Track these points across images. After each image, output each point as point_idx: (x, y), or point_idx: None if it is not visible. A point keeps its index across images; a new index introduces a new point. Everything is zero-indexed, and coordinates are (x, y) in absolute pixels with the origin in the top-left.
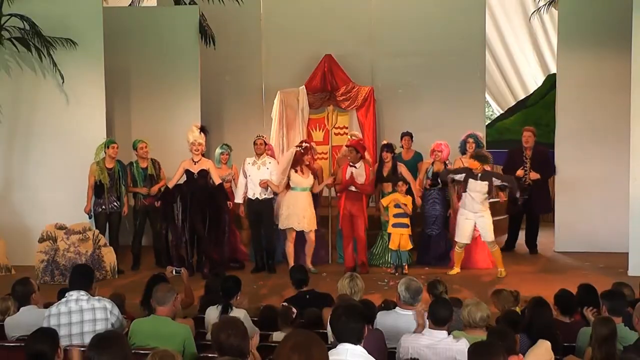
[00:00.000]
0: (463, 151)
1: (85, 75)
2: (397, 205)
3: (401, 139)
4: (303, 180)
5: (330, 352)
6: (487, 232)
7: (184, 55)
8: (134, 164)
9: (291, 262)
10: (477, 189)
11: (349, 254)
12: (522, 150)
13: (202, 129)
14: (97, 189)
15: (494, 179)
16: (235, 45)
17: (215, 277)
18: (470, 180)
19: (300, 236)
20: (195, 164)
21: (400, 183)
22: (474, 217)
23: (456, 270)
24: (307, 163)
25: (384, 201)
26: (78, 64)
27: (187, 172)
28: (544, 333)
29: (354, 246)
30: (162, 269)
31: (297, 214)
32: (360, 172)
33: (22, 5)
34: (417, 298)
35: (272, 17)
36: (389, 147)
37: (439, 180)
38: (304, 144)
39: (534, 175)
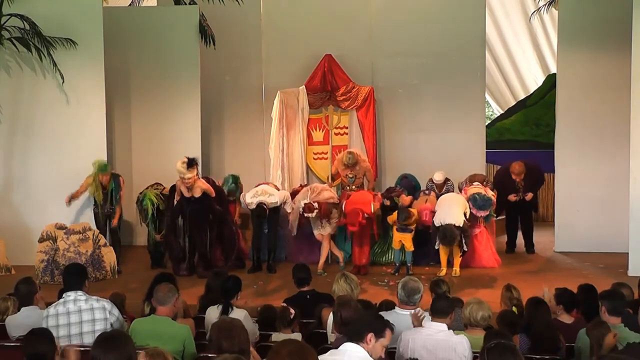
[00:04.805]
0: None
1: (85, 75)
2: (400, 211)
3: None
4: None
5: (331, 352)
6: None
7: (184, 55)
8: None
9: (321, 261)
10: None
11: (356, 256)
12: (510, 177)
13: (190, 163)
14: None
15: None
16: (235, 45)
17: (216, 276)
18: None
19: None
20: (188, 191)
21: (403, 196)
22: None
23: (444, 270)
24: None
25: (390, 219)
26: (78, 64)
27: (182, 196)
28: (544, 333)
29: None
30: (155, 270)
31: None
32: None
33: (22, 5)
34: (412, 297)
35: (272, 17)
36: (391, 199)
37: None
38: (314, 206)
39: (529, 196)
